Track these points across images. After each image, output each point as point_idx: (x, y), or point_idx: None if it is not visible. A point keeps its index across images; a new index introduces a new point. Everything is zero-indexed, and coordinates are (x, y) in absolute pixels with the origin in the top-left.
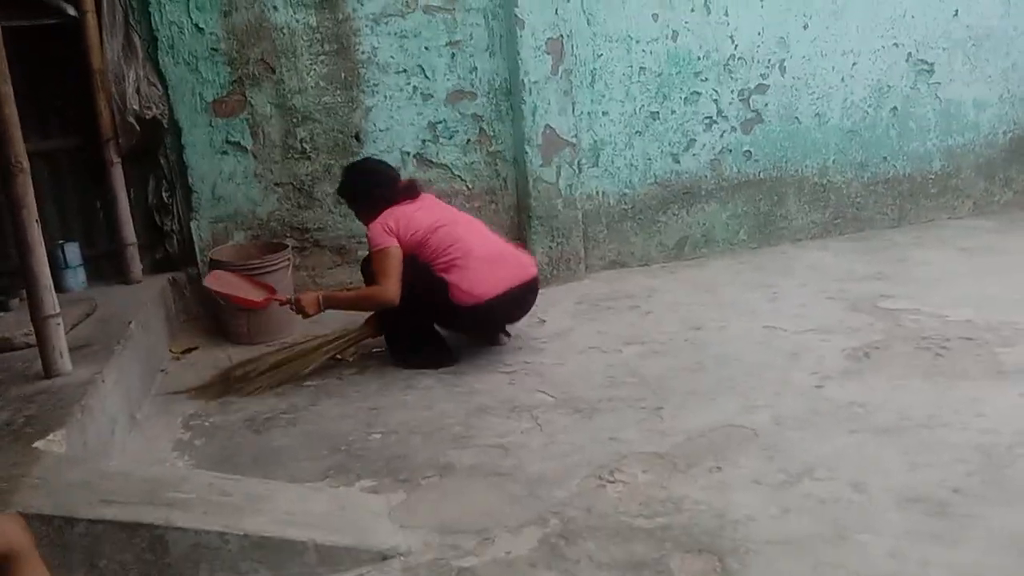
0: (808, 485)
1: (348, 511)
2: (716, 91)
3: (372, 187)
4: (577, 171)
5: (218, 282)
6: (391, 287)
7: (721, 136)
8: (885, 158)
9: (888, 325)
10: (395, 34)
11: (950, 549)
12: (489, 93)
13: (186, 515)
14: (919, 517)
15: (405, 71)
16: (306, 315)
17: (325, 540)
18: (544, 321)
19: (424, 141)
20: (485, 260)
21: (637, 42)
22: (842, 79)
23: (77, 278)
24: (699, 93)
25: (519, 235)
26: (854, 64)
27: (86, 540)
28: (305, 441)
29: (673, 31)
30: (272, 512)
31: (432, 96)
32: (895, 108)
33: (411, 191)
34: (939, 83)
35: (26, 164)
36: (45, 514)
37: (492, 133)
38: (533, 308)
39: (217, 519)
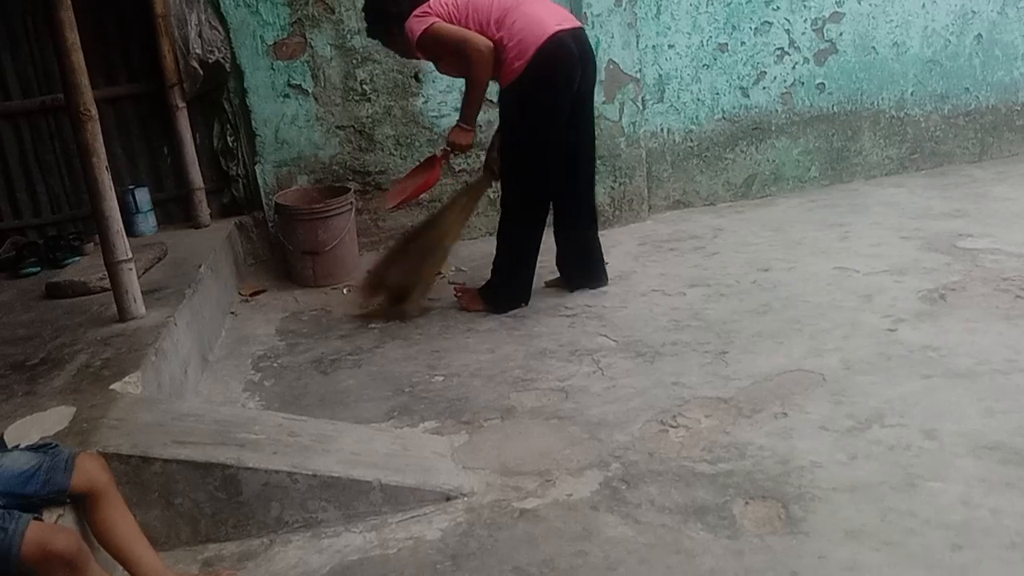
0: (877, 431)
1: (412, 452)
2: (788, 20)
3: (395, 5)
4: (641, 108)
5: (396, 198)
6: (471, 43)
7: (793, 68)
8: (967, 89)
9: (966, 265)
10: None
11: None
12: None
13: (256, 455)
14: (993, 465)
15: None
16: (465, 148)
17: (390, 480)
18: (606, 263)
19: None
20: (531, 11)
21: None
22: (923, 5)
23: (148, 222)
24: (770, 23)
25: None
26: None
27: (162, 479)
28: (370, 382)
29: None
30: (339, 452)
31: None
32: (980, 35)
33: None
34: None
35: (94, 111)
36: (123, 453)
37: None
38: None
39: (286, 459)
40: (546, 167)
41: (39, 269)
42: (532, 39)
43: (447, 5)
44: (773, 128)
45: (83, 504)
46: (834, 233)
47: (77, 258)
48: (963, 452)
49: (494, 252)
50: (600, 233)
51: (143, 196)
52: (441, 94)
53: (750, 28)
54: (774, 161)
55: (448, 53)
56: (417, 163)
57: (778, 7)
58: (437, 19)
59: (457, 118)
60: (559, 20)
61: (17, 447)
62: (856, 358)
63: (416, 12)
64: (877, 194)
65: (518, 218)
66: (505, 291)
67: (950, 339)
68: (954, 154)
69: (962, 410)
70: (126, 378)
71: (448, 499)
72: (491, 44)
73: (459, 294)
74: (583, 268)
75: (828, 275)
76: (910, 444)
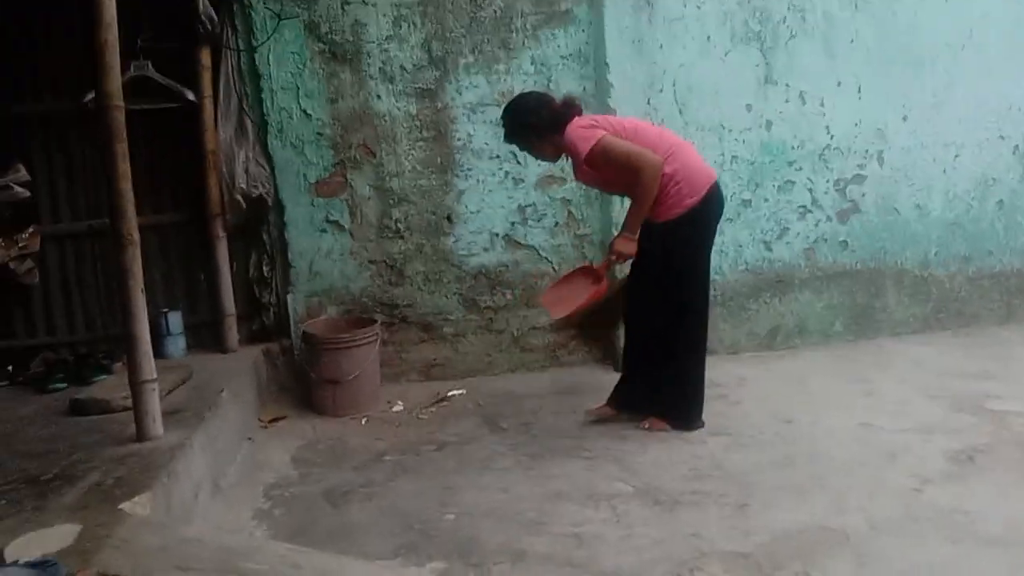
0: None
1: None
2: (811, 180)
3: (543, 110)
4: None
5: (564, 309)
6: (645, 156)
7: (816, 225)
8: (991, 252)
9: (995, 427)
10: (490, 122)
11: None
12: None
13: None
14: None
15: (498, 157)
16: (629, 257)
17: None
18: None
19: (513, 223)
20: (690, 152)
21: (730, 131)
22: (944, 171)
23: (177, 345)
24: (793, 182)
25: None
26: (956, 156)
27: None
28: (379, 517)
29: (767, 121)
30: None
31: (523, 180)
32: (1001, 201)
33: (575, 107)
34: None
35: (136, 237)
36: None
37: (580, 217)
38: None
39: None
40: (706, 293)
41: (66, 385)
42: (704, 179)
43: (612, 123)
44: (796, 282)
45: None
46: (859, 388)
47: (104, 376)
48: None
49: (663, 384)
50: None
51: (175, 319)
52: (471, 235)
53: (773, 186)
54: (798, 314)
55: (614, 166)
56: (568, 269)
57: (801, 167)
58: (605, 132)
59: (619, 230)
60: (711, 168)
61: (16, 563)
62: (881, 518)
63: (580, 123)
64: (903, 351)
65: (689, 343)
66: (687, 413)
67: (979, 502)
68: (980, 315)
69: None
70: (136, 498)
71: None
72: (662, 163)
73: (646, 425)
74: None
75: (853, 431)
76: None
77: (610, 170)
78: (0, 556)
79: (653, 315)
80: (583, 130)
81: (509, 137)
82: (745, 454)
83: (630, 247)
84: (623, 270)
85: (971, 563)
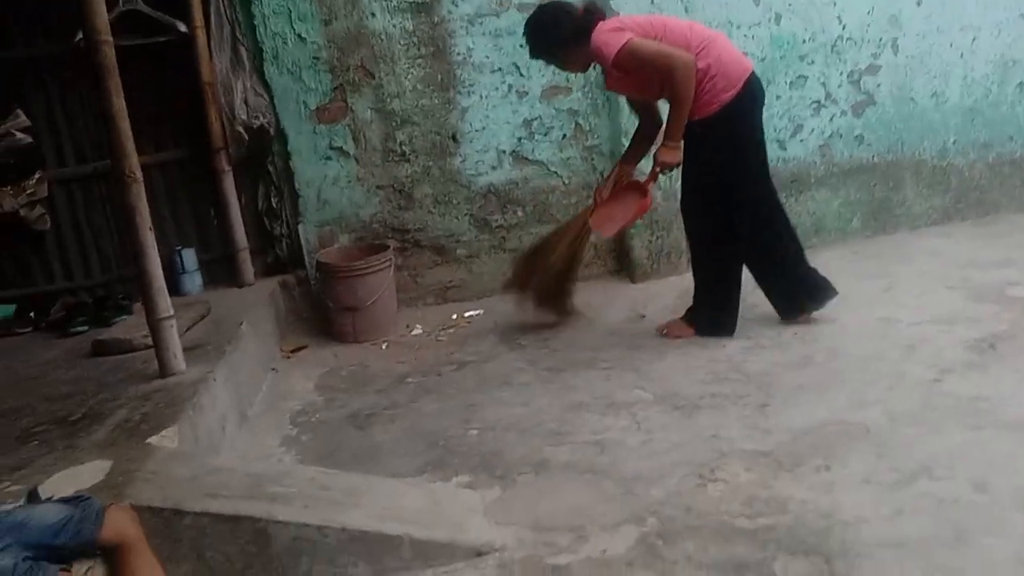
0: (924, 484)
1: (443, 506)
2: (824, 73)
3: (564, 22)
4: None
5: (612, 228)
6: (677, 55)
7: (830, 120)
8: (1011, 137)
9: (1016, 315)
10: (490, 33)
11: None
12: (584, 87)
13: (287, 509)
14: None
15: (500, 70)
16: (675, 166)
17: (420, 535)
18: (644, 316)
19: (520, 139)
20: (724, 44)
21: (738, 27)
22: (961, 55)
23: (194, 282)
24: (805, 77)
25: None
26: (974, 39)
27: (192, 532)
28: (404, 437)
29: (776, 14)
30: (369, 506)
31: (527, 93)
32: (1021, 83)
33: (598, 11)
34: None
35: (139, 174)
36: (155, 506)
37: (588, 128)
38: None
39: (317, 513)
40: (761, 191)
41: (87, 328)
42: (739, 71)
43: (640, 23)
44: (812, 180)
45: (113, 557)
46: (878, 284)
47: (124, 317)
48: (1016, 506)
49: (697, 283)
50: (637, 286)
51: (189, 256)
52: (478, 153)
53: (785, 82)
54: (814, 213)
55: (646, 69)
56: (612, 184)
57: (813, 61)
58: (632, 34)
59: (663, 140)
60: (747, 58)
61: (50, 499)
62: (901, 410)
63: (605, 28)
64: (922, 244)
65: (729, 246)
66: (717, 319)
67: (1001, 389)
68: (1000, 203)
69: (1015, 462)
70: (163, 432)
71: (479, 555)
72: (694, 60)
73: (664, 331)
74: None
75: (872, 326)
76: (959, 498)
77: (642, 74)
78: (36, 493)
79: (705, 221)
80: (609, 34)
81: (535, 54)
82: (764, 356)
83: (675, 155)
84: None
85: (991, 448)
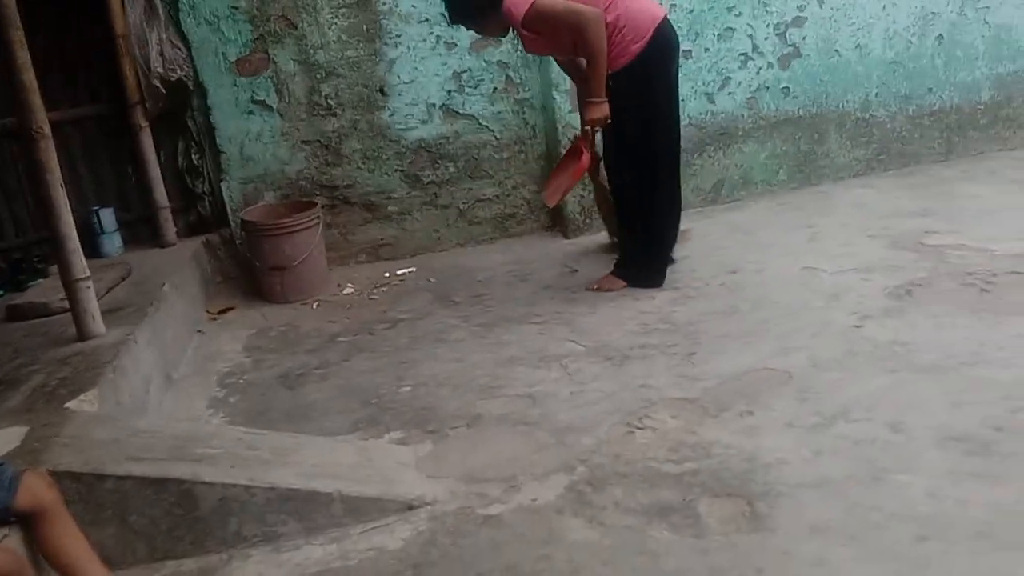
0: (843, 427)
1: (375, 462)
2: (751, 26)
3: None
4: None
5: (555, 196)
6: (583, 12)
7: (757, 73)
8: (931, 89)
9: (932, 262)
10: None
11: (991, 488)
12: (514, 39)
13: (213, 469)
14: (959, 457)
15: (427, 20)
16: (604, 122)
17: (351, 491)
18: (576, 271)
19: (450, 92)
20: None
21: None
22: (883, 7)
23: (113, 243)
24: (733, 29)
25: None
26: None
27: (115, 496)
28: (336, 395)
29: None
30: (299, 465)
31: (456, 45)
32: (940, 36)
33: None
34: (988, 7)
35: (47, 130)
36: (75, 471)
37: (519, 81)
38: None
39: (244, 472)
40: (674, 141)
41: (2, 293)
42: (648, 21)
43: None
44: (740, 133)
45: (30, 523)
46: (803, 235)
47: (40, 280)
48: (929, 445)
49: (625, 238)
50: (570, 241)
51: (108, 217)
52: (407, 107)
53: (713, 35)
54: (742, 166)
55: (555, 28)
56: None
57: (740, 12)
58: None
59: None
60: (658, 6)
61: None
62: (823, 356)
63: None
64: (845, 195)
65: (653, 196)
66: (646, 271)
67: (916, 334)
68: (921, 154)
69: (928, 403)
70: (82, 396)
71: (411, 508)
72: (602, 14)
73: (595, 286)
74: None
75: (796, 276)
76: (876, 438)
77: (554, 34)
78: None
79: (626, 174)
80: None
81: (454, 20)
82: (692, 306)
83: (601, 110)
84: None
85: (907, 390)
